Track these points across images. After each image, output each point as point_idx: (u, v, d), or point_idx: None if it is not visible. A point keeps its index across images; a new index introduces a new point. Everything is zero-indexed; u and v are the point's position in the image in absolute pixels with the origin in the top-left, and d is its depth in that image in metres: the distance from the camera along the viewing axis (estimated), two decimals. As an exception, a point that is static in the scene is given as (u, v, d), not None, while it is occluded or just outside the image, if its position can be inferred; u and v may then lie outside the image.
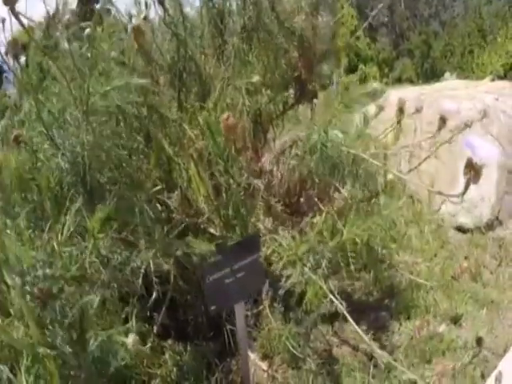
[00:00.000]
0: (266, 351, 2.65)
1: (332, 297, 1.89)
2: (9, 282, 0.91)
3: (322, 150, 1.87)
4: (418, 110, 2.28)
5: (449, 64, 11.46)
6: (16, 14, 1.65)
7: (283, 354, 2.59)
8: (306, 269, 1.82)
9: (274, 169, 2.22)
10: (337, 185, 1.97)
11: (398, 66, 12.00)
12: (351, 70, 11.22)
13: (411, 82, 11.63)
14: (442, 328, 3.03)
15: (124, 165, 1.85)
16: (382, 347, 2.63)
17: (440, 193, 1.73)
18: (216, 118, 1.94)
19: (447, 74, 10.23)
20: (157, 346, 2.29)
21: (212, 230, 2.44)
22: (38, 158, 1.96)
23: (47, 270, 1.21)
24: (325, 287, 1.86)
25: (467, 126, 2.21)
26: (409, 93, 5.28)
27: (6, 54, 2.70)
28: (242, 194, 2.03)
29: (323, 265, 1.83)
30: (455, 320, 3.09)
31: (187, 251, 1.78)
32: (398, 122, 2.17)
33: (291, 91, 2.39)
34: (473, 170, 1.48)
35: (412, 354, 2.74)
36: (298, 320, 2.65)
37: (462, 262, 2.24)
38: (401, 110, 2.21)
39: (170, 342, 2.45)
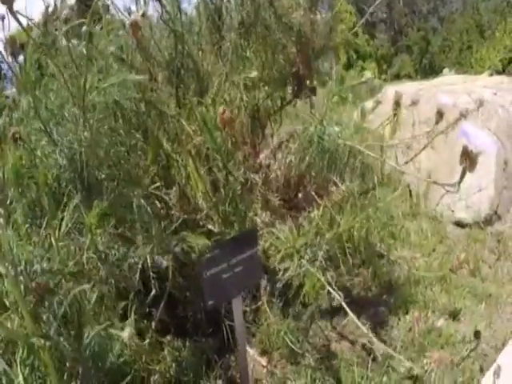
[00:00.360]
0: (265, 347, 2.66)
1: (330, 288, 1.89)
2: (1, 270, 0.91)
3: (319, 142, 1.87)
4: (415, 103, 2.28)
5: (447, 60, 11.44)
6: (14, 13, 1.65)
7: (282, 349, 2.60)
8: (304, 261, 1.82)
9: (272, 163, 2.21)
10: (334, 178, 1.97)
11: (396, 62, 11.98)
12: (350, 66, 11.19)
13: (410, 77, 11.61)
14: (441, 322, 3.04)
15: (121, 161, 1.84)
16: (381, 342, 2.64)
17: (435, 182, 1.73)
18: (214, 113, 1.94)
19: (446, 70, 10.21)
20: (156, 342, 2.29)
21: (210, 226, 2.44)
22: (35, 155, 1.97)
23: (44, 265, 1.21)
24: (322, 279, 1.86)
25: (463, 115, 2.21)
26: (407, 88, 5.28)
27: (6, 51, 2.71)
28: (239, 188, 2.03)
29: (320, 256, 1.83)
30: (454, 314, 3.10)
31: (185, 247, 1.78)
32: (395, 115, 2.17)
33: (289, 87, 2.39)
34: (468, 159, 1.48)
35: (410, 348, 2.75)
36: (296, 315, 2.66)
37: (459, 254, 2.25)
38: (397, 104, 2.21)
39: (168, 338, 2.45)
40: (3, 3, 1.60)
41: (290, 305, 2.62)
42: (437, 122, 2.41)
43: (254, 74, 1.96)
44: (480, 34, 11.32)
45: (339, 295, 1.90)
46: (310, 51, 2.25)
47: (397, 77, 11.63)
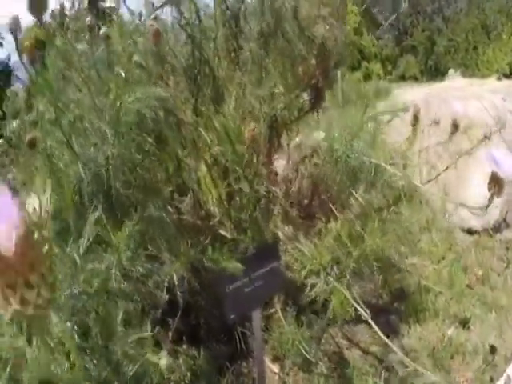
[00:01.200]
0: (277, 353, 2.66)
1: (357, 306, 1.89)
2: (55, 320, 0.88)
3: (346, 160, 1.88)
4: (437, 122, 2.27)
5: (453, 61, 11.37)
6: (42, 23, 1.64)
7: (294, 356, 2.60)
8: (331, 278, 1.82)
9: (293, 176, 2.21)
10: (355, 193, 1.97)
11: (401, 63, 11.88)
12: (354, 67, 11.10)
13: (415, 79, 11.55)
14: (451, 331, 3.04)
15: (145, 174, 1.83)
16: (392, 351, 2.65)
17: (462, 204, 1.73)
18: (235, 124, 1.94)
19: (451, 71, 10.16)
20: (171, 351, 2.29)
21: (223, 232, 2.44)
22: (54, 164, 1.96)
23: (74, 290, 1.20)
24: (349, 297, 1.86)
25: (487, 137, 2.21)
26: (415, 92, 5.28)
27: (20, 53, 2.70)
28: (260, 201, 2.03)
29: (347, 275, 1.83)
30: (464, 323, 3.11)
31: (211, 265, 1.77)
32: (414, 130, 2.16)
33: (306, 97, 2.38)
34: (497, 185, 1.49)
35: (422, 357, 2.76)
36: (309, 323, 2.66)
37: (476, 271, 2.26)
38: (416, 118, 2.20)
39: (184, 346, 2.45)
40: (32, 14, 1.59)
41: (304, 313, 2.63)
42: (452, 133, 2.40)
43: (280, 89, 1.95)
44: (486, 35, 11.24)
45: (366, 313, 1.91)
46: (330, 62, 2.25)
47: (402, 78, 11.56)
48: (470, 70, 10.49)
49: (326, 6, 2.03)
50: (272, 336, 2.64)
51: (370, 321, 1.94)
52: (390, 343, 2.10)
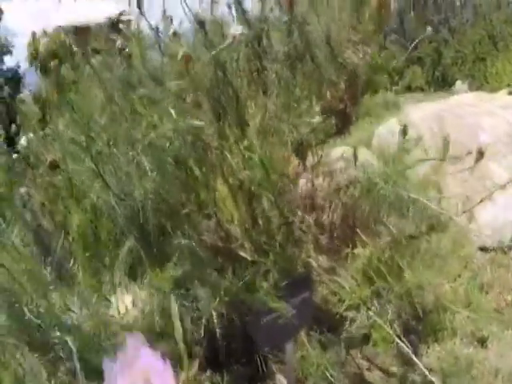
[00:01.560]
0: (297, 375, 2.64)
1: (400, 342, 1.88)
2: None
3: (385, 196, 1.87)
4: (470, 153, 2.24)
5: (460, 72, 11.33)
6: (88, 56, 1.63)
7: (316, 379, 2.58)
8: (371, 313, 1.81)
9: (325, 205, 2.19)
10: (390, 226, 1.96)
11: (407, 74, 11.81)
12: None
13: (422, 90, 11.52)
14: (469, 350, 3.03)
15: (180, 206, 1.81)
16: (413, 370, 2.63)
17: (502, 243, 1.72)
18: (265, 150, 1.92)
19: (458, 83, 10.16)
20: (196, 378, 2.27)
21: (243, 254, 2.42)
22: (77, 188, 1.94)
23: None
24: (391, 332, 1.85)
25: None
26: (428, 107, 5.26)
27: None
28: (292, 230, 2.01)
29: (389, 311, 1.82)
30: (481, 341, 3.10)
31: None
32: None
33: (333, 122, 2.37)
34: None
35: (443, 378, 2.74)
36: (330, 345, 2.64)
37: (506, 295, 2.25)
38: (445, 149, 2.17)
39: (208, 373, 2.43)
40: (78, 47, 1.59)
41: (326, 336, 2.60)
42: (477, 160, 2.38)
43: (318, 119, 1.93)
44: (493, 46, 11.17)
45: (409, 348, 1.89)
46: (359, 89, 2.24)
47: (408, 88, 11.50)
48: (478, 81, 10.43)
49: (359, 33, 2.03)
50: (292, 358, 2.63)
51: (414, 358, 1.91)
52: (419, 363, 2.08)
